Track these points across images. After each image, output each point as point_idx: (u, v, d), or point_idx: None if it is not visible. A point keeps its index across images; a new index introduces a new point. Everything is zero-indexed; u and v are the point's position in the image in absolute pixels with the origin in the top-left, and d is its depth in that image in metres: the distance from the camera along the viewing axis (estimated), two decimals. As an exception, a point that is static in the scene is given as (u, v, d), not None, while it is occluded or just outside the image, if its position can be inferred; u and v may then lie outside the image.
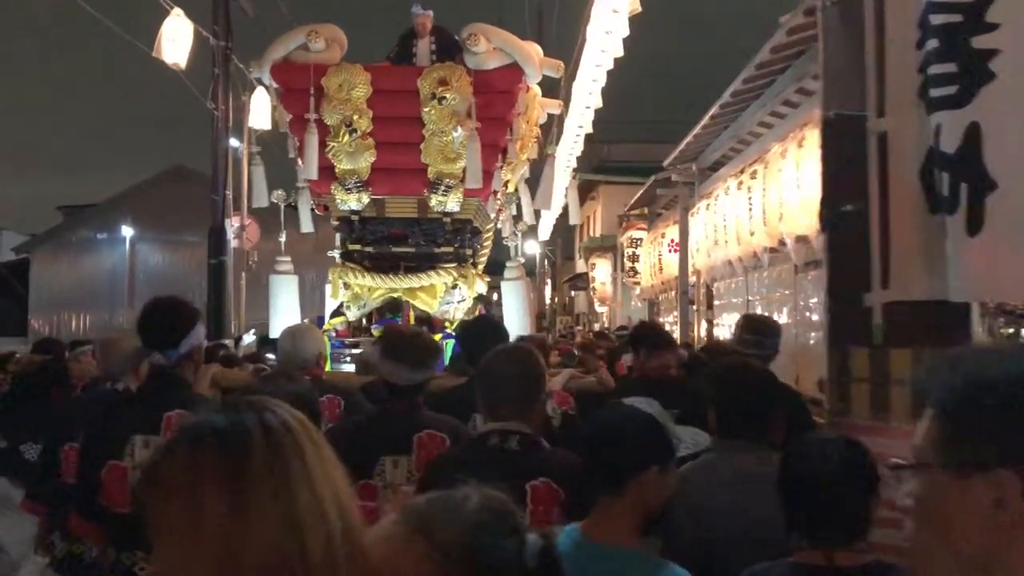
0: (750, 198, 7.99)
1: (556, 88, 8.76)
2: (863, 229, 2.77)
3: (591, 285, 21.87)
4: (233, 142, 13.20)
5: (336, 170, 6.80)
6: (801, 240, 6.97)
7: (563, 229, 30.61)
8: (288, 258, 7.64)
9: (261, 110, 12.70)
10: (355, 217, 7.15)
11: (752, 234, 7.94)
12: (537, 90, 7.70)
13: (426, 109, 6.62)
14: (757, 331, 4.28)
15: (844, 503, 2.03)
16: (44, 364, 5.43)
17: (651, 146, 26.41)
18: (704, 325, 10.97)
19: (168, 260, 24.69)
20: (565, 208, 10.43)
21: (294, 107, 6.80)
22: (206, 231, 11.27)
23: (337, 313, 7.25)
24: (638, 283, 15.73)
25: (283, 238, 7.65)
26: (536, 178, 8.42)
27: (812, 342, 6.95)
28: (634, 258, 15.79)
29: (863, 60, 2.69)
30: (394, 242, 7.20)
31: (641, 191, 14.21)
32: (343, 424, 3.28)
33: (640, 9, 7.43)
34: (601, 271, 21.39)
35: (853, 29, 2.70)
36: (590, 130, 11.15)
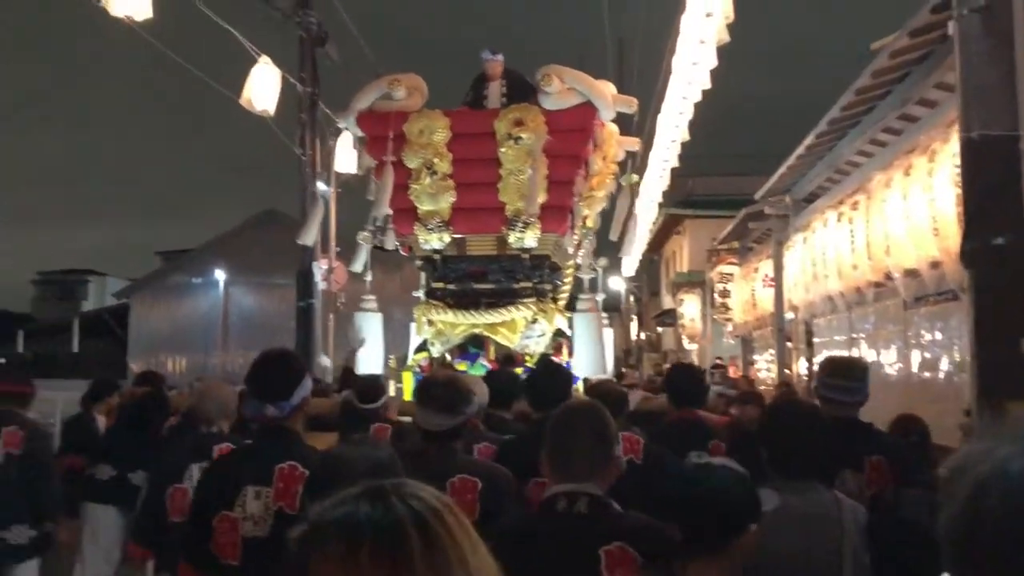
0: (852, 230, 7.60)
1: (631, 125, 8.68)
2: (1016, 264, 2.41)
3: (679, 321, 21.38)
4: (321, 186, 13.36)
5: (418, 211, 7.02)
6: (910, 274, 6.56)
7: (648, 264, 30.23)
8: (373, 296, 7.91)
9: (347, 154, 12.85)
10: (437, 256, 7.34)
11: (855, 268, 7.55)
12: (614, 128, 7.85)
13: (503, 149, 6.80)
14: (844, 375, 3.70)
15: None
16: (146, 396, 5.79)
17: (738, 179, 25.87)
18: (803, 363, 10.48)
19: (260, 303, 25.17)
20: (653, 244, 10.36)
21: (377, 153, 7.06)
22: (296, 274, 11.35)
23: (421, 349, 7.39)
24: (730, 319, 15.25)
25: (368, 277, 7.88)
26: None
27: (927, 381, 6.49)
28: (725, 293, 15.33)
29: (1012, 74, 2.38)
30: (475, 279, 7.37)
31: (732, 225, 13.81)
32: (366, 469, 3.16)
33: (728, 39, 7.16)
34: (690, 307, 20.91)
35: (998, 39, 2.40)
36: (676, 164, 10.90)
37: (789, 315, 11.31)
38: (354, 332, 8.02)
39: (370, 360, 7.64)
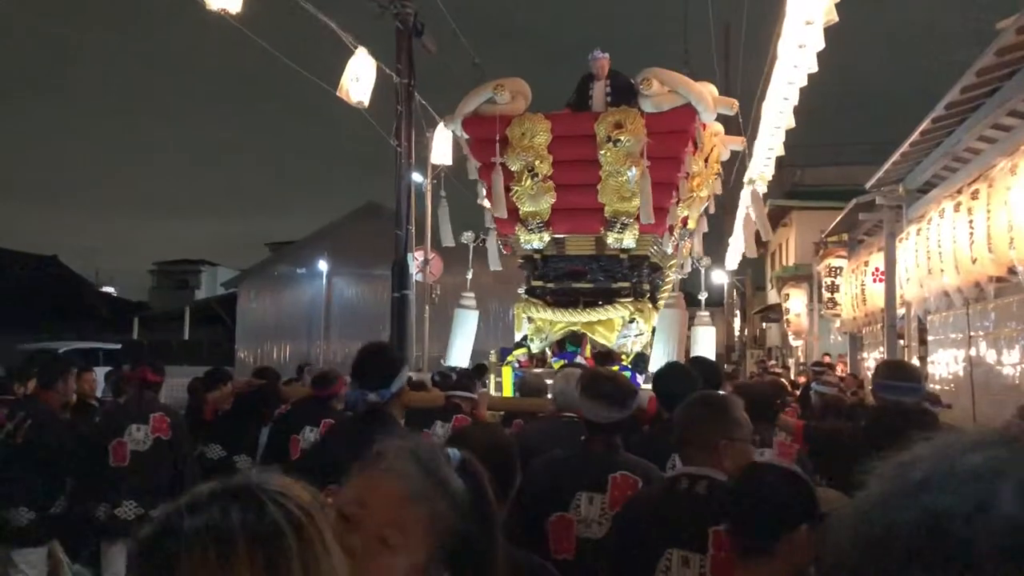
0: (971, 221, 7.09)
1: (737, 125, 8.55)
2: None
3: (784, 317, 20.68)
4: (417, 177, 13.39)
5: (520, 212, 7.27)
6: (1037, 268, 6.07)
7: (753, 258, 29.38)
8: (472, 294, 8.24)
9: (443, 146, 12.83)
10: (537, 255, 7.60)
11: (975, 261, 7.03)
12: (719, 127, 7.96)
13: (602, 152, 6.96)
14: (899, 376, 3.77)
15: None
16: (261, 387, 6.33)
17: (846, 169, 24.95)
18: (915, 362, 9.90)
19: (360, 293, 25.58)
20: (757, 236, 10.10)
21: (482, 155, 7.34)
22: (391, 264, 11.42)
23: (520, 345, 7.62)
24: (838, 315, 14.62)
25: (469, 275, 8.26)
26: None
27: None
28: (833, 288, 14.70)
29: None
30: (574, 278, 7.58)
31: (840, 216, 13.20)
32: (545, 458, 3.25)
33: (837, 19, 6.79)
34: (795, 302, 20.20)
35: None
36: (781, 152, 10.46)
37: (901, 311, 10.73)
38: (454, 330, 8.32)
39: (463, 355, 7.96)
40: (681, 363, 5.41)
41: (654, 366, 6.86)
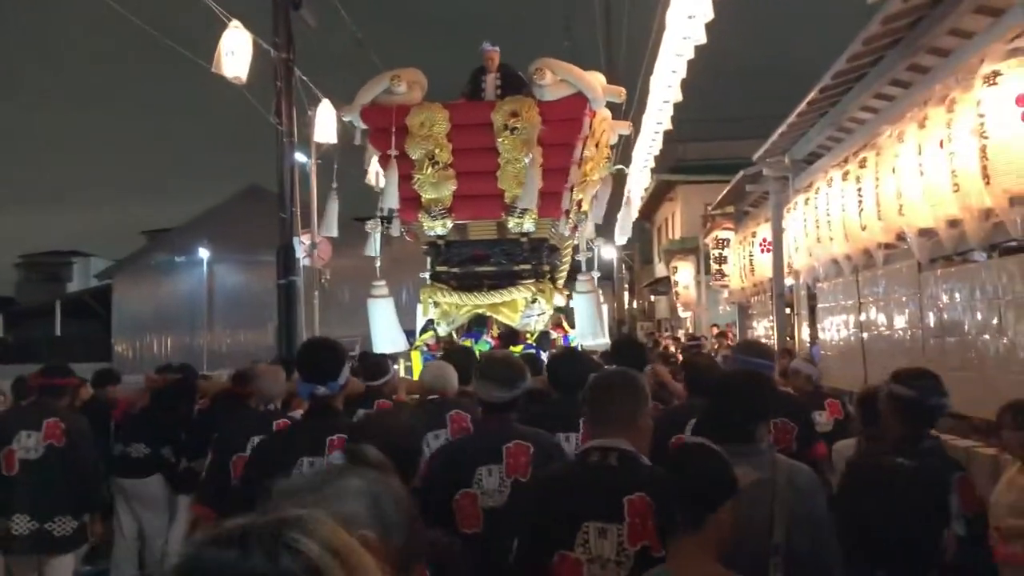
0: (859, 189, 7.19)
1: (620, 110, 9.28)
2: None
3: (673, 289, 21.02)
4: (301, 157, 12.87)
5: (422, 200, 7.47)
6: (925, 234, 6.16)
7: (640, 232, 29.77)
8: (383, 282, 8.18)
9: (326, 124, 12.33)
10: (441, 241, 7.80)
11: (864, 229, 7.14)
12: (607, 113, 8.22)
13: (500, 139, 7.20)
14: (756, 353, 4.29)
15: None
16: (176, 382, 6.53)
17: (728, 143, 25.45)
18: (805, 329, 10.11)
19: (245, 280, 24.68)
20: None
21: (381, 145, 7.48)
22: (276, 250, 10.90)
23: (427, 328, 7.89)
24: (726, 286, 14.86)
25: (378, 263, 8.26)
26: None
27: (945, 346, 6.11)
28: (721, 260, 14.92)
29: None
30: (477, 262, 7.84)
31: (727, 188, 13.38)
32: (450, 441, 3.66)
33: (714, -3, 6.75)
34: (683, 274, 20.55)
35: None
36: (669, 126, 10.51)
37: (789, 281, 10.94)
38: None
39: (387, 343, 7.92)
40: (574, 349, 5.85)
41: (586, 342, 7.65)
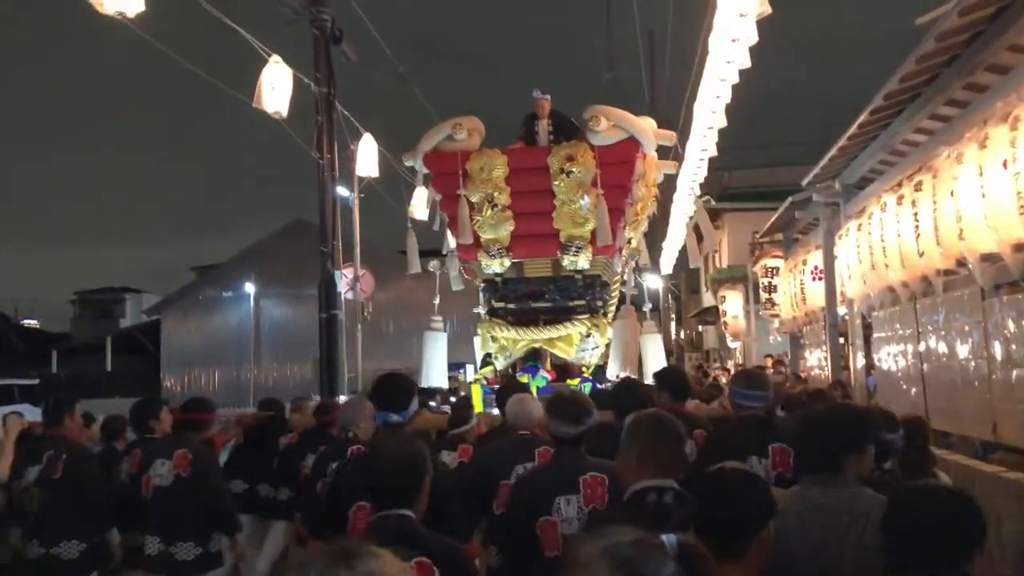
0: (916, 213, 6.89)
1: (667, 150, 9.61)
2: None
3: (722, 319, 20.60)
4: (343, 192, 12.86)
5: (481, 240, 7.89)
6: (989, 258, 5.85)
7: (687, 261, 29.34)
8: (440, 317, 8.77)
9: (368, 158, 12.32)
10: (498, 279, 8.20)
11: (921, 255, 6.83)
12: (653, 154, 8.61)
13: (556, 182, 7.60)
14: (750, 385, 4.30)
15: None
16: (268, 419, 6.79)
17: (774, 170, 25.05)
18: (861, 360, 9.75)
19: (290, 314, 24.82)
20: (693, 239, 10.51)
21: (444, 188, 8.00)
22: (318, 283, 10.84)
23: (486, 363, 8.27)
24: (777, 315, 14.48)
25: (437, 300, 8.79)
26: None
27: (1013, 377, 5.77)
28: (771, 288, 14.56)
29: None
30: (533, 298, 8.23)
31: (776, 215, 13.07)
32: (526, 473, 3.88)
33: (770, 11, 6.56)
34: (732, 304, 20.13)
35: None
36: (714, 152, 10.31)
37: (842, 309, 10.60)
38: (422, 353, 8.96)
39: (436, 377, 8.50)
40: (633, 379, 6.03)
41: (611, 374, 7.98)
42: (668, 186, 12.33)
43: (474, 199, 7.75)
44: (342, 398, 9.39)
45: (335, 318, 10.44)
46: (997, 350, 6.00)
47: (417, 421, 5.32)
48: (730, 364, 19.73)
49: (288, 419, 7.11)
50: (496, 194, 7.71)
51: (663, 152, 9.58)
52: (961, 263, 6.35)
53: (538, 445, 4.23)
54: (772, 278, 14.51)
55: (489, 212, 7.73)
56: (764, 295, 14.86)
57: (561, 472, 3.48)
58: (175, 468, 5.21)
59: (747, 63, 7.24)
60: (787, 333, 14.70)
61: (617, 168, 7.79)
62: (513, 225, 7.80)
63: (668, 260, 20.67)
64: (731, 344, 21.64)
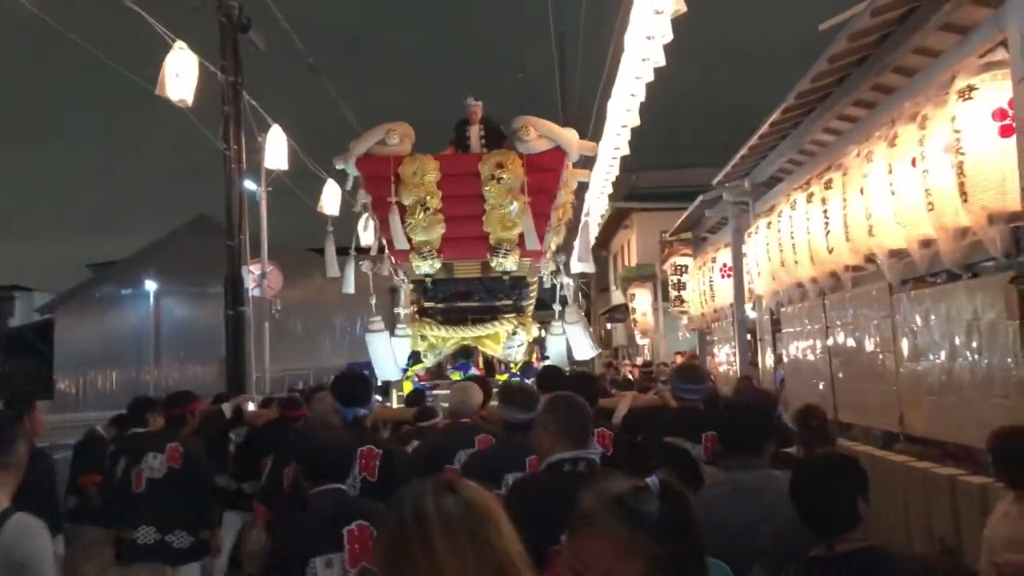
0: (825, 211, 7.04)
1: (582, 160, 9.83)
2: None
3: (631, 317, 20.85)
4: (251, 185, 12.49)
5: (413, 242, 8.23)
6: (897, 254, 6.01)
7: (596, 260, 29.66)
8: (379, 316, 8.86)
9: (277, 150, 11.98)
10: (428, 279, 8.58)
11: (831, 251, 6.98)
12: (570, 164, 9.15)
13: (487, 188, 8.02)
14: (690, 379, 5.02)
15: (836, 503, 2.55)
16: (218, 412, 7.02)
17: (683, 171, 25.51)
18: (769, 355, 9.95)
19: (193, 313, 24.03)
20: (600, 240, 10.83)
21: (376, 191, 8.24)
22: (223, 280, 10.47)
23: (417, 360, 8.74)
24: (686, 312, 14.70)
25: (373, 300, 8.90)
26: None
27: (921, 371, 5.94)
28: (680, 286, 14.78)
29: None
30: (462, 298, 8.66)
31: (686, 213, 13.26)
32: (478, 452, 4.44)
33: (685, 8, 6.64)
34: (641, 301, 20.41)
35: None
36: (627, 151, 10.41)
37: (749, 306, 10.81)
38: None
39: (388, 372, 8.68)
40: (558, 368, 6.67)
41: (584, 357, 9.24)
42: (579, 190, 12.42)
43: (407, 202, 8.04)
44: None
45: (242, 315, 10.13)
46: (904, 344, 6.16)
47: (377, 413, 6.01)
48: (639, 360, 19.97)
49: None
50: (428, 198, 8.04)
51: (581, 162, 9.89)
52: (870, 259, 6.50)
53: (477, 432, 4.77)
54: (681, 275, 14.72)
55: (421, 215, 8.04)
56: (673, 292, 15.06)
57: (510, 452, 3.97)
58: (167, 461, 5.53)
59: (662, 61, 7.33)
60: (695, 330, 14.94)
61: (544, 175, 8.21)
62: (444, 228, 8.14)
63: (576, 257, 20.85)
64: (640, 341, 21.94)
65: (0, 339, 28.65)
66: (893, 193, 5.69)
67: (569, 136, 8.49)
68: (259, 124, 11.79)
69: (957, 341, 5.35)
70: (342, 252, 9.21)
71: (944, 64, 5.38)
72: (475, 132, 8.75)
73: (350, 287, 8.94)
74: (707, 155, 19.22)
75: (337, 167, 8.74)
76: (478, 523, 1.53)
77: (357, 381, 4.67)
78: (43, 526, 2.91)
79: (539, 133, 8.19)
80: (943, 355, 5.56)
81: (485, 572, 1.48)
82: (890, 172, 5.70)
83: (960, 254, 5.17)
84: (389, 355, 8.59)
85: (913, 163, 5.40)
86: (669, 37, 6.92)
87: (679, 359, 15.98)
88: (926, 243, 5.53)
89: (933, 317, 5.71)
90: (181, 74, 8.50)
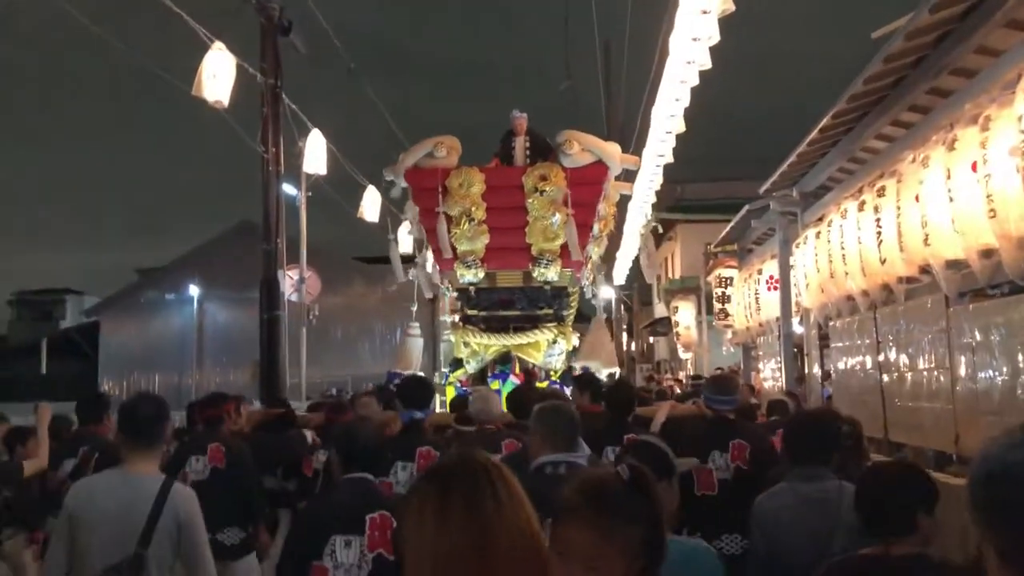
0: (878, 220, 6.70)
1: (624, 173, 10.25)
2: None
3: (674, 330, 20.48)
4: (290, 189, 12.43)
5: (458, 251, 8.49)
6: (954, 265, 5.67)
7: (639, 272, 29.26)
8: (418, 323, 9.42)
9: (316, 155, 11.90)
10: (472, 288, 8.84)
11: (883, 262, 6.64)
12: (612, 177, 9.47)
13: (530, 200, 8.27)
14: (721, 390, 5.10)
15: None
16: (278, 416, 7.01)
17: (725, 184, 25.11)
18: (816, 370, 9.58)
19: (235, 318, 24.13)
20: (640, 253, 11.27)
21: (424, 202, 8.54)
22: (259, 283, 10.37)
23: (458, 366, 8.98)
24: (730, 326, 14.32)
25: (415, 307, 9.51)
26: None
27: (980, 390, 5.58)
28: (724, 299, 14.41)
29: None
30: (504, 307, 8.91)
31: (732, 223, 12.92)
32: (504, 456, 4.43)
33: (733, 7, 6.37)
34: (684, 314, 20.04)
35: None
36: (670, 159, 10.12)
37: (796, 319, 10.44)
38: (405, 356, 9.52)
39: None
40: (625, 379, 7.40)
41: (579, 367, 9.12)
42: (622, 202, 12.21)
43: (453, 213, 8.27)
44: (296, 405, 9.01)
45: (277, 319, 10.02)
46: (961, 360, 5.81)
47: (433, 417, 6.21)
48: (681, 375, 19.60)
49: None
50: (474, 209, 8.28)
51: (623, 175, 10.14)
52: (924, 270, 6.16)
53: (503, 438, 4.96)
54: (726, 288, 14.36)
55: (467, 226, 8.29)
56: (717, 305, 14.70)
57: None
58: (210, 462, 5.58)
59: (708, 64, 7.04)
60: (739, 344, 14.56)
61: (586, 188, 8.42)
62: (488, 238, 8.40)
63: (621, 271, 20.53)
64: (682, 355, 21.54)
65: (48, 341, 29.12)
66: (951, 200, 5.36)
67: (612, 150, 8.69)
68: (299, 129, 11.74)
69: (1020, 358, 5.00)
70: (384, 261, 9.77)
71: (1009, 61, 5.05)
72: (520, 144, 8.90)
73: (400, 275, 9.42)
74: (753, 168, 18.87)
75: (386, 178, 8.87)
76: (514, 489, 1.70)
77: (419, 386, 5.00)
78: (194, 494, 3.55)
79: (583, 147, 8.41)
80: (1005, 372, 5.20)
81: (516, 530, 1.64)
82: (948, 178, 5.37)
83: (1025, 264, 4.82)
84: (419, 361, 9.08)
85: (974, 168, 5.07)
86: (716, 38, 6.66)
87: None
88: (987, 253, 5.19)
89: (994, 332, 5.36)
90: (218, 75, 8.44)
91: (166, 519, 3.32)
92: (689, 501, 4.09)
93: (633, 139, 16.30)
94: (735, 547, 4.36)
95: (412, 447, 4.44)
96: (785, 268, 10.34)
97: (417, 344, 9.28)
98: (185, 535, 3.37)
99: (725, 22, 6.33)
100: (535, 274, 8.61)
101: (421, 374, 8.87)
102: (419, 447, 4.45)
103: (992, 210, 4.87)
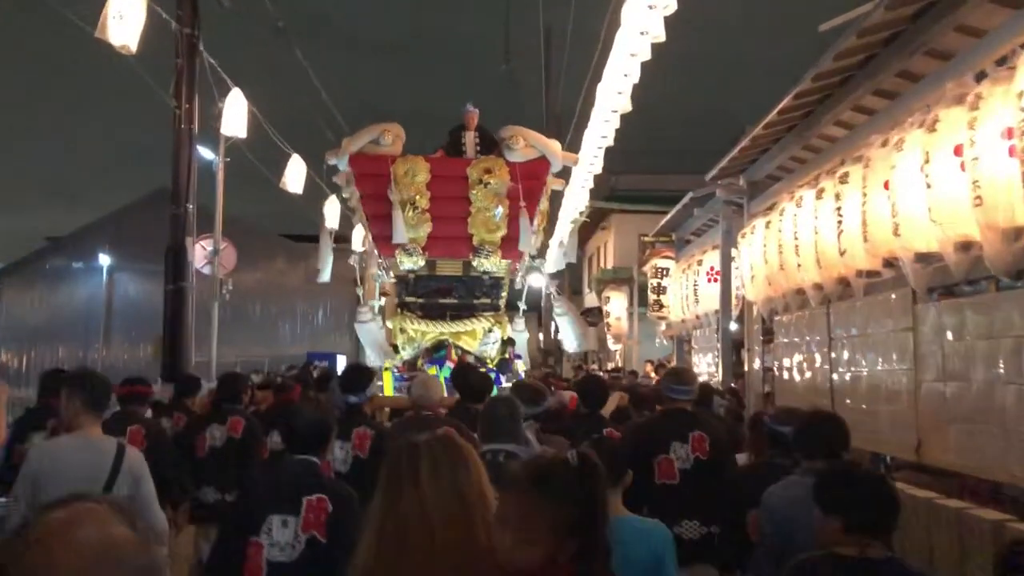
0: (839, 208, 6.25)
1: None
2: None
3: (606, 320, 20.05)
4: (206, 153, 11.54)
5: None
6: (924, 259, 5.23)
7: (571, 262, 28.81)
8: (367, 307, 9.11)
9: (237, 116, 11.02)
10: (411, 275, 9.05)
11: (843, 253, 6.20)
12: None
13: (474, 191, 8.55)
14: (680, 380, 5.07)
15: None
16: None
17: (663, 176, 24.79)
18: (757, 368, 9.16)
19: (147, 290, 22.78)
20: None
21: (368, 188, 8.71)
22: (165, 252, 9.50)
23: (395, 351, 9.10)
24: (665, 318, 13.91)
25: (360, 291, 9.37)
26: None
27: (951, 396, 5.15)
28: (660, 290, 13.98)
29: None
30: (442, 295, 9.11)
31: (673, 211, 12.46)
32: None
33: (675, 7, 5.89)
34: (616, 305, 19.65)
35: None
36: (611, 143, 9.62)
37: (736, 312, 10.04)
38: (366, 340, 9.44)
39: (379, 358, 8.99)
40: (597, 376, 7.10)
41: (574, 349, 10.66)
42: (555, 196, 11.80)
43: (396, 200, 8.48)
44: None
45: (183, 290, 9.22)
46: (928, 361, 5.38)
47: (374, 401, 6.47)
48: (609, 366, 19.20)
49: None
50: (418, 197, 8.53)
51: (561, 172, 10.22)
52: (889, 263, 5.73)
53: (438, 425, 4.96)
54: (662, 279, 13.94)
55: (411, 213, 8.49)
56: (652, 296, 14.27)
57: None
58: (228, 431, 6.10)
59: (662, 36, 6.50)
60: (673, 337, 14.16)
61: (529, 183, 8.74)
62: (431, 227, 8.66)
63: (552, 260, 20.04)
64: (612, 346, 21.16)
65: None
66: (928, 186, 4.91)
67: (554, 147, 9.06)
68: (219, 88, 10.84)
69: (1000, 361, 4.57)
70: (309, 240, 9.86)
71: (1009, 31, 4.59)
72: (471, 138, 9.18)
73: (326, 277, 9.35)
74: (688, 161, 18.60)
75: (329, 162, 8.88)
76: (456, 460, 2.02)
77: (356, 373, 5.34)
78: (141, 454, 4.10)
79: (527, 142, 8.75)
80: (979, 376, 4.78)
81: (454, 500, 1.96)
82: (927, 162, 4.91)
83: (1012, 258, 4.38)
84: (381, 342, 8.96)
85: (957, 151, 4.62)
86: (673, 7, 6.13)
87: (649, 367, 15.26)
88: (964, 245, 4.76)
89: (968, 331, 4.93)
90: (125, 16, 7.58)
91: (123, 474, 3.85)
92: (650, 489, 4.49)
93: (571, 127, 15.81)
94: (694, 532, 4.59)
95: (350, 428, 4.78)
96: (727, 259, 9.94)
97: (370, 329, 9.11)
98: (140, 489, 3.89)
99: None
100: (475, 264, 8.83)
101: (366, 362, 8.91)
102: (355, 428, 4.83)
103: (978, 197, 4.42)
